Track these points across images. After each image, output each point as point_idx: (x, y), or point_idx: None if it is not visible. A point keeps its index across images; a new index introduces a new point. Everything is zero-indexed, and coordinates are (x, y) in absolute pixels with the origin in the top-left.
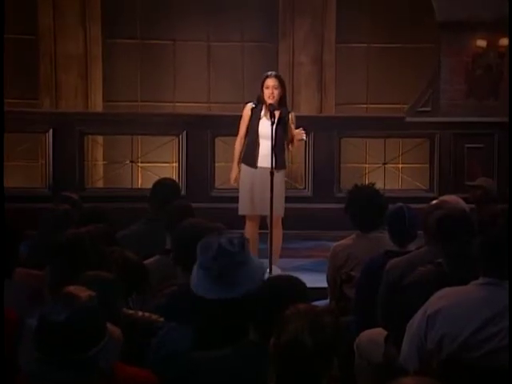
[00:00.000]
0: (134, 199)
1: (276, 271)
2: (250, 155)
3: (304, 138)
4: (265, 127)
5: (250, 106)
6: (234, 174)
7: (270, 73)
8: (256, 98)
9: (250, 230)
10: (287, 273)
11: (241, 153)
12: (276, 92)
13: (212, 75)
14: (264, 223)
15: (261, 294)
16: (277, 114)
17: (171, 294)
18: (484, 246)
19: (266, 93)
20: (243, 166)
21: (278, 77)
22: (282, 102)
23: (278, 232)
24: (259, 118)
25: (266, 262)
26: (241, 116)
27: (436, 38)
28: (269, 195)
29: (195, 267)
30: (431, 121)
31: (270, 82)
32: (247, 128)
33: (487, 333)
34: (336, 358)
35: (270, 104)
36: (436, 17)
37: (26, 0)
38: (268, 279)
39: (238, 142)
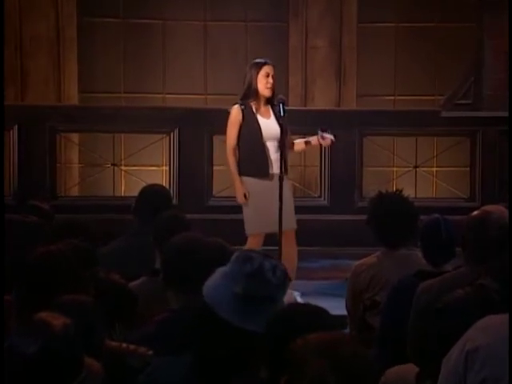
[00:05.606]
0: (116, 209)
1: (292, 297)
2: (255, 163)
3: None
4: (268, 126)
5: (237, 108)
6: (241, 191)
7: (264, 60)
8: (243, 92)
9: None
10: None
11: (238, 165)
12: (273, 82)
13: (209, 61)
14: (270, 239)
15: (273, 327)
16: (275, 108)
17: (162, 322)
18: None
19: (264, 82)
20: (246, 179)
21: (273, 65)
22: (274, 94)
23: (293, 250)
24: (255, 117)
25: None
26: (227, 121)
27: (477, 15)
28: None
29: (216, 272)
30: (472, 115)
31: (270, 70)
32: (239, 134)
33: None
34: None
35: (269, 97)
36: None
37: None
38: (282, 309)
39: (232, 154)
